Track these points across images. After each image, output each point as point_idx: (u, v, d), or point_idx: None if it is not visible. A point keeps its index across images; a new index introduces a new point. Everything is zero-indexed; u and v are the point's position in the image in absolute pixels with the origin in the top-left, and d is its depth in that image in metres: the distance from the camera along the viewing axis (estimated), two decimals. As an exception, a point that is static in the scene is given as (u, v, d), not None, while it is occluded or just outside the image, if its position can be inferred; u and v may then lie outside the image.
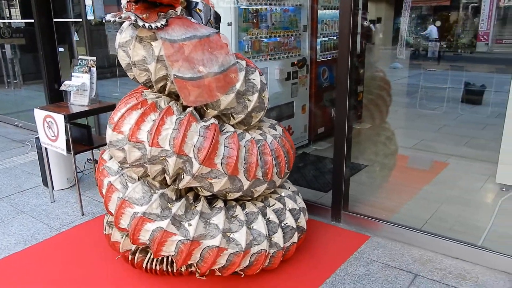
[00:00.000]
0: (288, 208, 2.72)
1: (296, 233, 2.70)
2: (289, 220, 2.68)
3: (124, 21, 2.39)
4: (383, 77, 4.60)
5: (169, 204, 2.43)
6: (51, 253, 3.00)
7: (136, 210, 2.38)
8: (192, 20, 2.48)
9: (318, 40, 4.81)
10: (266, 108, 2.66)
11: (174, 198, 2.48)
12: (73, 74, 3.67)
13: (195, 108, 2.46)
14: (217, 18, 2.85)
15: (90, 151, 4.00)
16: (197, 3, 2.61)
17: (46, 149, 3.65)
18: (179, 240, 2.33)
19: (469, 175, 4.30)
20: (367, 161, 4.41)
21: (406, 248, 2.99)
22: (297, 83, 4.67)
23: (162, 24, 2.25)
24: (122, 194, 2.45)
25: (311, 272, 2.71)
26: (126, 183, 2.50)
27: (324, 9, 4.82)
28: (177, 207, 2.38)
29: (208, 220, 2.41)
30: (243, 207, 2.60)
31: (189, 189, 2.55)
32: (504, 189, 3.80)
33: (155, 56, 2.33)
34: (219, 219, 2.41)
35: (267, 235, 2.51)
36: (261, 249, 2.48)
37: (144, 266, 2.64)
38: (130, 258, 2.66)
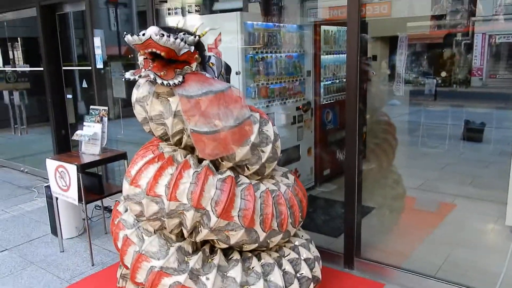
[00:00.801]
0: (302, 258, 2.72)
1: (311, 283, 2.68)
2: (305, 270, 2.67)
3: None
4: (388, 120, 4.67)
5: (186, 258, 2.42)
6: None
7: (153, 264, 2.37)
8: (206, 74, 2.57)
9: (321, 84, 4.93)
10: (279, 158, 2.70)
11: (190, 251, 2.48)
12: (85, 123, 3.73)
13: (210, 160, 2.50)
14: (227, 69, 2.95)
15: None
16: (209, 57, 2.70)
17: (56, 198, 3.66)
18: (196, 295, 2.32)
19: (477, 217, 4.29)
20: (374, 203, 4.42)
21: (422, 296, 2.97)
22: (303, 126, 4.74)
23: (179, 81, 2.32)
24: (139, 247, 2.45)
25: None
26: (142, 236, 2.51)
27: (326, 54, 4.95)
28: (194, 261, 2.38)
29: (225, 273, 2.40)
30: (259, 258, 2.59)
31: (205, 241, 2.55)
32: (514, 231, 3.79)
33: (172, 111, 2.39)
34: (236, 272, 2.41)
35: (284, 287, 2.50)
36: (279, 302, 2.46)
37: (159, 320, 2.60)
38: (145, 312, 2.63)
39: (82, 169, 3.39)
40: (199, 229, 2.36)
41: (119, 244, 2.59)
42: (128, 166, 2.61)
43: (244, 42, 3.87)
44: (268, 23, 4.21)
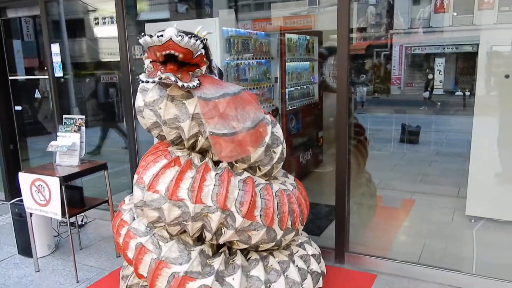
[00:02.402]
0: (310, 254, 2.81)
1: (321, 277, 2.77)
2: (314, 266, 2.76)
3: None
4: (358, 123, 4.93)
5: (208, 261, 2.41)
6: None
7: (175, 270, 2.33)
8: (215, 77, 2.59)
9: (287, 90, 5.09)
10: (284, 159, 2.78)
11: (210, 253, 2.46)
12: (59, 134, 3.53)
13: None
14: (220, 73, 2.98)
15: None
16: (211, 61, 2.72)
17: (31, 214, 3.41)
18: (223, 297, 2.31)
19: (437, 210, 4.67)
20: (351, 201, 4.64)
21: (412, 282, 3.18)
22: (271, 132, 4.85)
23: (198, 83, 2.32)
24: (157, 255, 2.39)
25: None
26: (158, 243, 2.44)
27: (290, 61, 5.13)
28: (219, 263, 2.37)
29: (248, 273, 2.42)
30: (273, 256, 2.63)
31: (222, 244, 2.54)
32: (473, 220, 4.19)
33: (189, 114, 2.37)
34: (258, 271, 2.43)
35: (301, 282, 2.57)
36: (297, 297, 2.52)
37: (175, 329, 2.54)
38: (159, 322, 2.55)
39: (64, 181, 3.20)
40: (223, 230, 2.36)
41: (130, 254, 2.50)
42: (138, 173, 2.53)
43: (221, 49, 3.91)
44: (241, 30, 4.28)
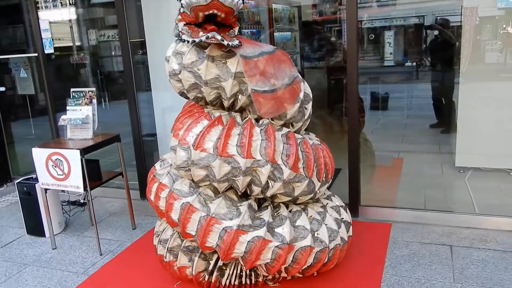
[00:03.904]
0: (338, 205, 2.96)
1: (350, 226, 2.94)
2: (344, 215, 2.91)
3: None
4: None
5: (256, 214, 2.49)
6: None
7: (226, 225, 2.40)
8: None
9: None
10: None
11: (256, 207, 2.55)
12: (68, 108, 3.44)
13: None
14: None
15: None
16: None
17: (46, 191, 3.34)
18: (275, 246, 2.41)
19: (426, 165, 4.98)
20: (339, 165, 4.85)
21: (426, 227, 3.42)
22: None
23: (239, 43, 2.37)
24: (205, 212, 2.45)
25: (367, 263, 2.95)
26: (205, 201, 2.50)
27: (278, 31, 5.21)
28: (268, 215, 2.47)
29: (294, 223, 2.54)
30: (311, 208, 2.76)
31: (263, 199, 2.63)
32: (462, 171, 4.51)
33: (231, 73, 2.42)
34: (303, 221, 2.55)
35: (338, 229, 2.72)
36: (336, 244, 2.67)
37: (223, 283, 2.62)
38: (207, 279, 2.63)
39: (84, 153, 3.16)
40: (270, 184, 2.45)
41: (175, 216, 2.54)
42: (176, 136, 2.56)
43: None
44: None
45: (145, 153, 4.42)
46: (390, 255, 3.04)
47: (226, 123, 2.48)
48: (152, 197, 2.73)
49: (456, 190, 4.17)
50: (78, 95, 3.44)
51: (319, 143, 2.86)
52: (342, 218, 2.89)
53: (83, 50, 5.38)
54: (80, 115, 3.37)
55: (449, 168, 4.67)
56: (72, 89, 3.48)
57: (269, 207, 2.54)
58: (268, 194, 2.49)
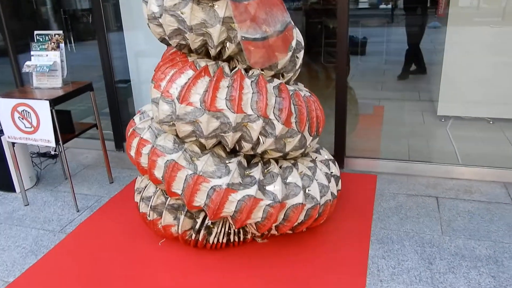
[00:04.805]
0: (327, 159, 2.86)
1: (339, 180, 2.87)
2: (334, 169, 2.83)
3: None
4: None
5: (246, 171, 2.36)
6: (80, 252, 2.63)
7: (215, 184, 2.27)
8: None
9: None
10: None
11: (246, 164, 2.42)
12: (33, 53, 3.12)
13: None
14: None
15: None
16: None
17: (13, 144, 3.09)
18: (267, 205, 2.31)
19: (406, 113, 4.93)
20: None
21: (411, 178, 3.40)
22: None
23: (228, -17, 2.12)
24: (192, 170, 2.30)
25: (354, 217, 2.91)
26: (191, 158, 2.34)
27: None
28: (259, 173, 2.34)
29: (285, 180, 2.43)
30: (301, 163, 2.65)
31: (253, 155, 2.50)
32: (443, 120, 4.49)
33: (219, 18, 2.18)
34: (294, 177, 2.44)
35: (328, 184, 2.63)
36: (327, 200, 2.60)
37: (211, 241, 2.53)
38: (194, 237, 2.53)
39: (54, 105, 2.90)
40: (261, 140, 2.31)
41: (158, 173, 2.38)
42: (158, 87, 2.33)
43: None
44: None
45: (119, 101, 4.16)
46: (378, 207, 3.01)
47: (213, 74, 2.28)
48: (132, 153, 2.55)
49: (439, 140, 4.15)
50: (43, 39, 3.11)
51: (309, 94, 2.71)
52: (332, 172, 2.80)
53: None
54: (47, 61, 3.06)
55: (429, 117, 4.64)
56: (36, 32, 3.14)
57: (259, 163, 2.41)
58: (259, 150, 2.35)
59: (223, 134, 2.25)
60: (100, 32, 3.81)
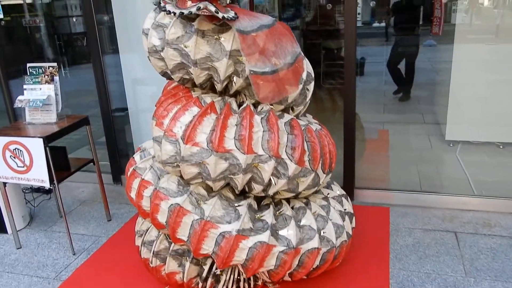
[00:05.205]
0: (339, 194, 2.69)
1: (353, 217, 2.69)
2: (347, 206, 2.65)
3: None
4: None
5: (256, 215, 2.18)
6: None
7: (224, 230, 2.08)
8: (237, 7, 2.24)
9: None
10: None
11: (256, 207, 2.24)
12: (25, 87, 2.95)
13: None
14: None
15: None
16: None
17: (4, 184, 2.90)
18: (280, 251, 2.13)
19: (412, 137, 4.78)
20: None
21: (425, 211, 3.23)
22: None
23: (235, 14, 1.97)
24: (198, 215, 2.12)
25: (371, 256, 2.72)
26: (197, 202, 2.16)
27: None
28: (271, 217, 2.16)
29: (299, 223, 2.25)
30: (314, 202, 2.48)
31: (263, 196, 2.32)
32: (451, 145, 4.34)
33: (226, 51, 2.03)
34: (308, 219, 2.27)
35: (343, 225, 2.46)
36: (342, 241, 2.42)
37: (219, 290, 2.34)
38: (200, 286, 2.33)
39: (48, 142, 2.72)
40: (273, 181, 2.13)
41: (162, 218, 2.19)
42: (160, 125, 2.17)
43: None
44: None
45: (116, 129, 3.98)
46: (394, 244, 2.83)
47: (220, 110, 2.12)
48: (133, 195, 2.37)
49: (449, 167, 3.99)
50: (36, 71, 2.95)
51: (320, 127, 2.55)
52: (345, 209, 2.62)
53: (36, 10, 4.80)
54: (41, 95, 2.89)
55: (437, 141, 4.49)
56: (28, 64, 2.98)
57: (271, 206, 2.23)
58: (270, 192, 2.17)
59: (232, 176, 2.08)
60: (95, 57, 3.65)
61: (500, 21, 4.06)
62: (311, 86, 2.40)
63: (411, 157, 4.23)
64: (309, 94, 2.40)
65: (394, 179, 3.77)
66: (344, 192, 2.77)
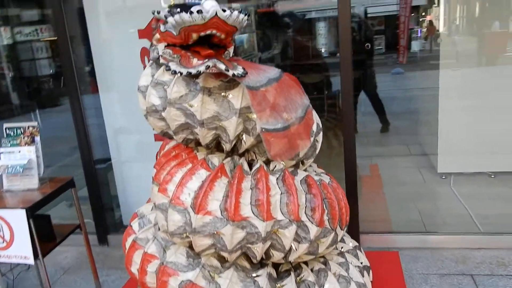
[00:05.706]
0: (353, 247, 2.54)
1: (370, 270, 2.53)
2: (363, 259, 2.49)
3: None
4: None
5: (277, 284, 1.99)
6: None
7: (243, 305, 1.87)
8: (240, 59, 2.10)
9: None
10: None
11: (275, 275, 2.04)
12: (2, 150, 2.69)
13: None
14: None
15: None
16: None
17: (-19, 262, 2.59)
18: (306, 323, 1.93)
19: (402, 171, 4.72)
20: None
21: (435, 253, 3.11)
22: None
23: (244, 70, 1.83)
24: (213, 291, 1.90)
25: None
26: (210, 275, 1.95)
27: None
28: (293, 285, 1.97)
29: (322, 288, 2.06)
30: (331, 260, 2.30)
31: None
32: (444, 177, 4.30)
33: (235, 109, 1.87)
34: (331, 283, 2.09)
35: (365, 283, 2.29)
36: (365, 302, 2.24)
37: None
38: None
39: (32, 213, 2.45)
40: (294, 247, 1.95)
41: (173, 296, 1.96)
42: (163, 191, 1.96)
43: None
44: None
45: (100, 183, 3.72)
46: (412, 295, 2.68)
47: (231, 173, 1.94)
48: (135, 271, 2.13)
49: (448, 202, 3.91)
50: (14, 133, 2.70)
51: (329, 178, 2.40)
52: (362, 263, 2.46)
53: None
54: (20, 159, 2.63)
55: (428, 173, 4.45)
56: (5, 125, 2.73)
57: (292, 273, 2.04)
58: (291, 258, 1.98)
59: (250, 245, 1.88)
60: (74, 100, 3.42)
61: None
62: (320, 137, 2.25)
63: (407, 193, 4.16)
64: (319, 146, 2.25)
65: (395, 220, 3.65)
66: (356, 243, 2.61)
